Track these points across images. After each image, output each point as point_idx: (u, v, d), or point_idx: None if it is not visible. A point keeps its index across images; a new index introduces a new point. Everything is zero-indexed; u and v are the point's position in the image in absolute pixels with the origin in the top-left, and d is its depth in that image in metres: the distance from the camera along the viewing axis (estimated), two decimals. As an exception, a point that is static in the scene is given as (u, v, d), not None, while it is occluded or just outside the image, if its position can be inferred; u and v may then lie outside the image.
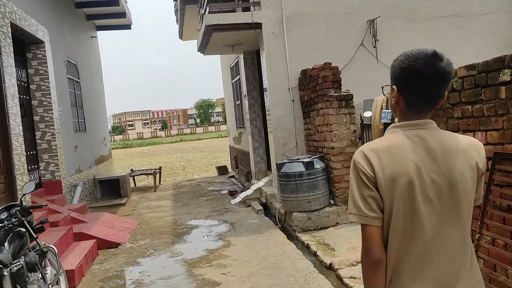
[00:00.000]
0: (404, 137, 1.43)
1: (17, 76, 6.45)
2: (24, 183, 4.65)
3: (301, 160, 6.27)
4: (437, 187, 1.39)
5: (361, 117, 6.67)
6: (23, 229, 3.57)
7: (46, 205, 4.80)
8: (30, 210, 3.83)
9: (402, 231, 1.40)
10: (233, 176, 12.88)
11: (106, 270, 5.28)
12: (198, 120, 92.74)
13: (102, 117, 12.80)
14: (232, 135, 13.59)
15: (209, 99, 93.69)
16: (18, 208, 3.67)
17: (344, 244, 5.16)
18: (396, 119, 1.55)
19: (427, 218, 1.39)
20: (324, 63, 6.62)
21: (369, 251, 1.42)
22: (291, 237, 6.01)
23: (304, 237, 5.73)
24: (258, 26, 7.40)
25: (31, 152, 7.08)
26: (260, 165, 9.52)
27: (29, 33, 6.75)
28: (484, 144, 3.12)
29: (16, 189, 5.55)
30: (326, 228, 6.00)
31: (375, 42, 7.54)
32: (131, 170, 13.53)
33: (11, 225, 3.46)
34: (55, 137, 7.41)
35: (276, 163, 6.71)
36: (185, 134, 60.84)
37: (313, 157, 6.39)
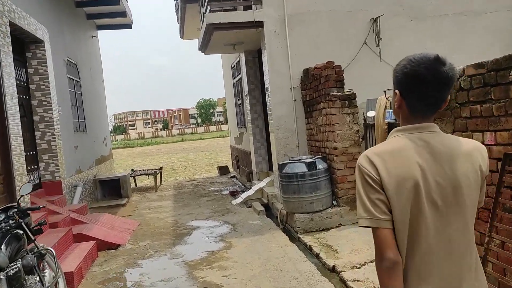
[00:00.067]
0: (407, 141, 1.43)
1: (16, 75, 6.40)
2: (22, 184, 4.58)
3: (303, 160, 6.19)
4: (442, 190, 1.39)
5: (364, 117, 6.59)
6: (21, 231, 3.52)
7: (44, 206, 4.73)
8: (28, 211, 3.77)
9: (407, 233, 1.39)
10: (234, 176, 12.81)
11: (106, 272, 5.22)
12: (199, 120, 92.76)
13: (103, 117, 12.74)
14: (233, 135, 13.52)
15: (210, 98, 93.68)
16: (16, 209, 3.61)
17: (347, 246, 5.08)
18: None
19: (431, 220, 1.39)
20: (326, 62, 6.52)
21: (384, 254, 1.38)
22: (293, 238, 5.94)
23: (307, 239, 5.65)
24: (259, 24, 7.33)
25: (31, 153, 7.02)
26: (261, 166, 9.44)
27: (28, 32, 6.69)
28: (493, 145, 3.03)
29: (15, 190, 5.49)
30: (329, 229, 5.92)
31: (378, 40, 7.44)
32: (132, 170, 13.48)
33: (8, 227, 3.42)
34: (55, 137, 7.35)
35: (278, 164, 6.63)
36: (186, 134, 60.90)
37: (315, 157, 6.31)
